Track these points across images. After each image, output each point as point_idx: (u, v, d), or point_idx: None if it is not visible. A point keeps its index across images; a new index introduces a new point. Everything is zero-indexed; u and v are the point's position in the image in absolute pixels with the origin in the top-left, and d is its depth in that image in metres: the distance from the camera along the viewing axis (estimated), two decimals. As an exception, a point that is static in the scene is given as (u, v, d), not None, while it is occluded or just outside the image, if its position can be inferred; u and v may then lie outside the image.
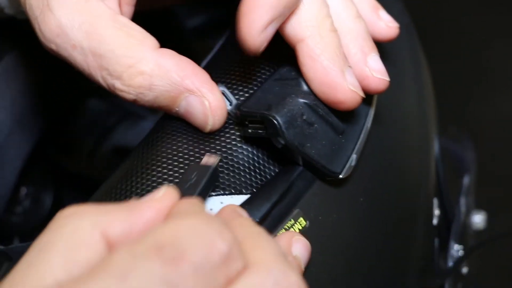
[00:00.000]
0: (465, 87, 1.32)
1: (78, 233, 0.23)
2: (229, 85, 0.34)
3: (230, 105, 0.34)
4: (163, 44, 0.33)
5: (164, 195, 0.25)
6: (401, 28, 0.43)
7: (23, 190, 0.53)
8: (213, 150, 0.32)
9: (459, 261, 0.43)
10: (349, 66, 0.32)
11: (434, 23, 1.31)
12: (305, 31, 0.32)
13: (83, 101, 0.55)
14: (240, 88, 0.34)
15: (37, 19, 0.33)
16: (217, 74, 0.35)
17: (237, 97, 0.34)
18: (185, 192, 0.29)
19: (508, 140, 1.21)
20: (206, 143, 0.32)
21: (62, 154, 0.56)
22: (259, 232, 0.25)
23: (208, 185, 0.30)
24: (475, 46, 1.40)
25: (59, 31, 0.32)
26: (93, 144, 0.55)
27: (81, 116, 0.55)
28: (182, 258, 0.21)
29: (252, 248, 0.23)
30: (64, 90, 0.51)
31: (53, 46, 0.33)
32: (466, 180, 0.50)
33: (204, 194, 0.30)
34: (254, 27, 0.30)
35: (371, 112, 0.35)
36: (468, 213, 0.49)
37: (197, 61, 0.34)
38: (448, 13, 1.45)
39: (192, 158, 0.32)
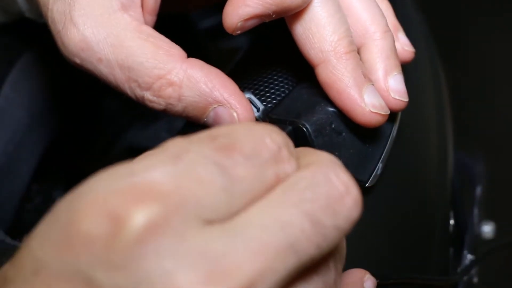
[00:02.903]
0: (468, 91, 1.32)
1: None
2: (256, 92, 0.34)
3: (258, 111, 0.34)
4: (177, 44, 0.34)
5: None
6: (421, 39, 0.43)
7: (35, 187, 0.53)
8: None
9: (471, 265, 0.43)
10: (371, 84, 0.32)
11: (433, 23, 1.32)
12: (319, 56, 0.31)
13: (98, 100, 0.55)
14: (268, 94, 0.34)
15: (59, 33, 0.32)
16: (243, 80, 0.35)
17: (264, 103, 0.34)
18: None
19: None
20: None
21: (75, 153, 0.55)
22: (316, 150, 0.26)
23: None
24: (475, 47, 1.41)
25: (83, 45, 0.31)
26: (106, 144, 0.55)
27: (95, 116, 0.55)
28: (234, 147, 0.22)
29: (307, 157, 0.24)
30: (80, 89, 0.51)
31: (77, 60, 0.32)
32: (478, 191, 0.50)
33: None
34: (236, 14, 0.30)
35: (397, 122, 0.35)
36: (479, 223, 0.50)
37: (210, 61, 0.35)
38: (448, 15, 1.46)
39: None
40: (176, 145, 0.22)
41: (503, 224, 0.56)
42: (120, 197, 0.20)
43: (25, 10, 0.44)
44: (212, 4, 0.48)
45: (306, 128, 0.31)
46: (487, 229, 0.52)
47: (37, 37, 0.47)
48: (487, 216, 0.54)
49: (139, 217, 0.20)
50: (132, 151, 0.55)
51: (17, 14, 0.46)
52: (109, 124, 0.55)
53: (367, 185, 0.33)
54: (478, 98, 1.33)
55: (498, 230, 0.54)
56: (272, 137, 0.23)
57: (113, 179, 0.21)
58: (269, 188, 0.22)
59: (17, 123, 0.45)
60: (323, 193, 0.22)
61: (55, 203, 0.53)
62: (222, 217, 0.21)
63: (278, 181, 0.22)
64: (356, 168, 0.32)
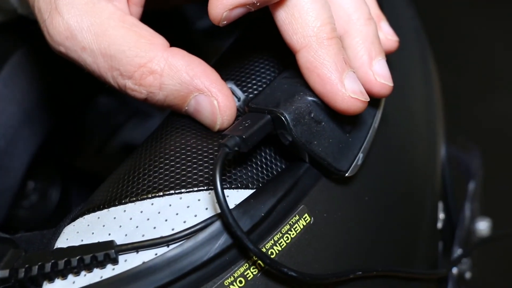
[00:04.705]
0: (465, 89, 1.32)
1: None
2: (238, 82, 0.35)
3: (239, 101, 0.34)
4: (173, 44, 0.34)
5: None
6: (411, 33, 0.43)
7: (31, 184, 0.54)
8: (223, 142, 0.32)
9: (458, 258, 0.43)
10: (352, 71, 0.31)
11: (433, 23, 1.32)
12: (301, 41, 0.31)
13: (93, 98, 0.55)
14: (250, 85, 0.34)
15: (45, 22, 0.33)
16: (226, 71, 0.35)
17: (246, 94, 0.34)
18: (236, 132, 0.30)
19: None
20: (215, 138, 0.33)
21: (71, 150, 0.56)
22: None
23: (261, 131, 0.30)
24: (476, 48, 1.40)
25: (68, 34, 0.32)
26: (101, 141, 0.55)
27: (90, 113, 0.56)
28: None
29: None
30: (74, 87, 0.52)
31: (62, 49, 0.32)
32: (471, 186, 0.50)
33: (255, 137, 0.30)
34: (221, 4, 0.30)
35: (379, 112, 0.35)
36: (473, 220, 0.49)
37: (207, 61, 0.35)
38: (447, 14, 1.46)
39: (200, 152, 0.32)
40: None
41: (500, 221, 0.56)
42: None
43: (17, 7, 0.45)
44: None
45: (284, 117, 0.31)
46: (483, 226, 0.51)
47: (30, 35, 0.48)
48: (484, 212, 0.54)
49: None
50: (127, 149, 0.55)
51: (10, 11, 0.47)
52: (104, 122, 0.56)
53: (347, 174, 0.32)
54: (475, 93, 1.32)
55: (494, 227, 0.53)
56: None
57: None
58: None
59: (9, 118, 0.46)
60: None
61: (50, 201, 0.53)
62: None
63: None
64: (335, 157, 0.32)
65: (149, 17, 0.39)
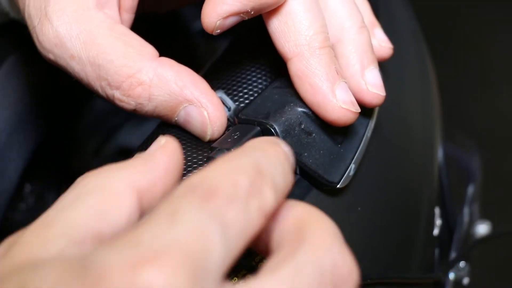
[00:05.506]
0: (465, 88, 1.31)
1: (109, 187, 0.23)
2: (229, 91, 0.34)
3: (229, 110, 0.33)
4: (171, 46, 0.33)
5: (167, 142, 0.25)
6: (408, 34, 0.43)
7: (27, 187, 0.54)
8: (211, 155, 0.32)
9: (453, 262, 0.42)
10: (343, 81, 0.31)
11: (433, 23, 1.31)
12: (293, 50, 0.31)
13: (88, 101, 0.55)
14: (240, 94, 0.34)
15: (35, 28, 0.32)
16: (217, 79, 0.35)
17: (236, 103, 0.34)
18: (224, 144, 0.30)
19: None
20: (205, 149, 0.32)
21: (67, 153, 0.56)
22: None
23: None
24: (475, 47, 1.40)
25: (57, 42, 0.32)
26: (98, 144, 0.55)
27: (86, 116, 0.55)
28: (214, 192, 0.21)
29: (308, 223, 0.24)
30: (69, 89, 0.52)
31: (51, 56, 0.32)
32: (470, 189, 0.49)
33: None
34: (215, 12, 0.30)
35: (372, 122, 0.35)
36: (472, 223, 0.49)
37: (204, 63, 0.34)
38: (447, 13, 1.45)
39: (189, 164, 0.31)
40: (162, 207, 0.21)
41: (501, 224, 0.55)
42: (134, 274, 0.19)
43: (9, 11, 0.45)
44: (195, 2, 0.47)
45: (274, 128, 0.30)
46: (482, 229, 0.51)
47: (24, 38, 0.47)
48: (484, 215, 0.53)
49: None
50: (124, 151, 0.55)
51: (2, 15, 0.46)
52: (100, 125, 0.55)
53: (338, 186, 0.32)
54: (474, 92, 1.31)
55: (494, 231, 0.53)
56: (243, 169, 0.22)
57: (122, 252, 0.19)
58: (256, 225, 0.21)
59: (3, 123, 0.45)
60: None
61: (47, 204, 0.53)
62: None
63: (263, 215, 0.22)
64: (326, 169, 0.32)
65: (143, 21, 0.38)
